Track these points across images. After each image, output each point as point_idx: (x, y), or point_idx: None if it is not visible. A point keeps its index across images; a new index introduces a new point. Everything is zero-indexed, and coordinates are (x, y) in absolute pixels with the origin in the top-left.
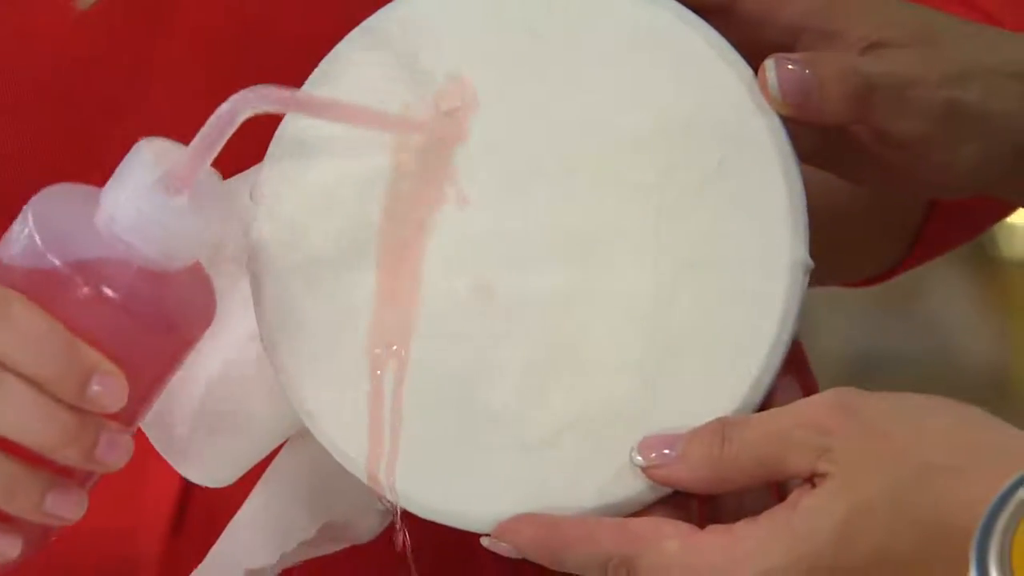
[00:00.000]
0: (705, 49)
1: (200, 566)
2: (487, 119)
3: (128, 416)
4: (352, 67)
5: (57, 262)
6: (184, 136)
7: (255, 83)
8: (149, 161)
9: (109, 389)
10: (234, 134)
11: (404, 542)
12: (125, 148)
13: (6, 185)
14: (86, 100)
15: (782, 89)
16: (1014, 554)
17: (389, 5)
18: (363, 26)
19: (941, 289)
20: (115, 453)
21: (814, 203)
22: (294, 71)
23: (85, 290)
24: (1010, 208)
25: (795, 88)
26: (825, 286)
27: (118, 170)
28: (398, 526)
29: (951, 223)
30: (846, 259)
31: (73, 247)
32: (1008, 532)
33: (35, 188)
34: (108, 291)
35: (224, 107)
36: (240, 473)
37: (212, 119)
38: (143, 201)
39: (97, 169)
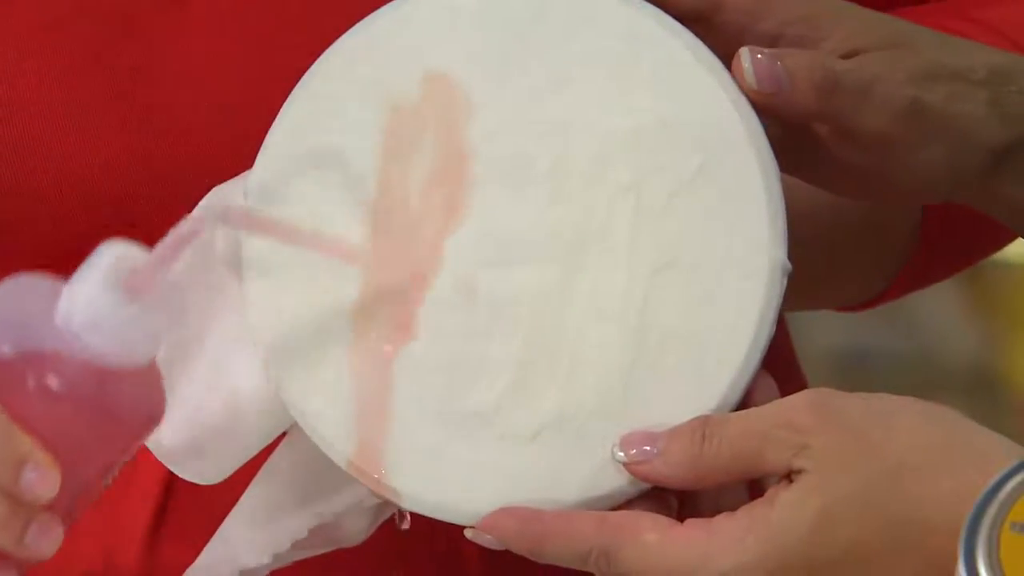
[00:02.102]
0: (686, 55)
1: (193, 565)
2: (475, 120)
3: (64, 505)
4: (342, 67)
5: (8, 350)
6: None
7: (287, 37)
8: (110, 263)
9: (41, 479)
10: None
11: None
12: (160, 107)
13: (43, 137)
14: (119, 64)
15: (756, 77)
16: (1001, 549)
17: (385, 6)
18: (357, 26)
19: (928, 290)
20: (44, 542)
21: (800, 231)
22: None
23: (32, 381)
24: (1001, 240)
25: (767, 75)
26: (812, 310)
27: (80, 268)
28: (394, 515)
29: (938, 255)
30: (833, 286)
31: (28, 337)
32: (995, 527)
33: (64, 140)
34: (55, 384)
35: (185, 225)
36: (231, 471)
37: (173, 233)
38: (100, 302)
39: (133, 127)
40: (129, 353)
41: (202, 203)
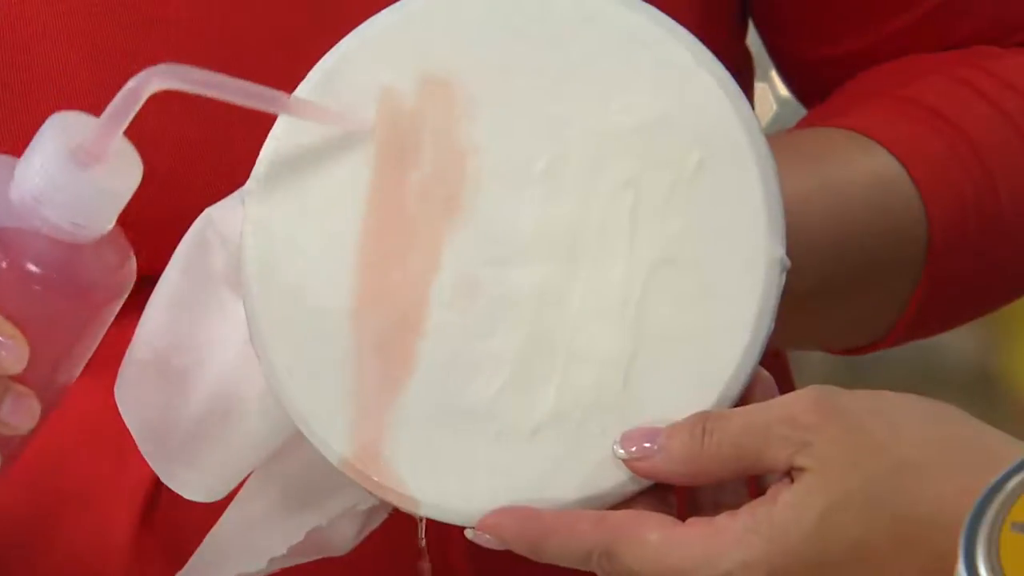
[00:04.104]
0: (685, 55)
1: (183, 570)
2: (474, 120)
3: (39, 380)
4: (342, 68)
5: None
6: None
7: (287, 41)
8: (60, 133)
9: (7, 351)
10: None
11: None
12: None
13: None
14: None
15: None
16: (1002, 549)
17: (386, 8)
18: (357, 29)
19: None
20: (20, 414)
21: (801, 271)
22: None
23: None
24: (1007, 295)
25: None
26: (807, 350)
27: (32, 142)
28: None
29: (937, 309)
30: (831, 328)
31: None
32: (995, 527)
33: None
34: (17, 258)
35: (132, 82)
36: (231, 486)
37: (121, 93)
38: (53, 173)
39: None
40: (87, 222)
41: (194, 225)
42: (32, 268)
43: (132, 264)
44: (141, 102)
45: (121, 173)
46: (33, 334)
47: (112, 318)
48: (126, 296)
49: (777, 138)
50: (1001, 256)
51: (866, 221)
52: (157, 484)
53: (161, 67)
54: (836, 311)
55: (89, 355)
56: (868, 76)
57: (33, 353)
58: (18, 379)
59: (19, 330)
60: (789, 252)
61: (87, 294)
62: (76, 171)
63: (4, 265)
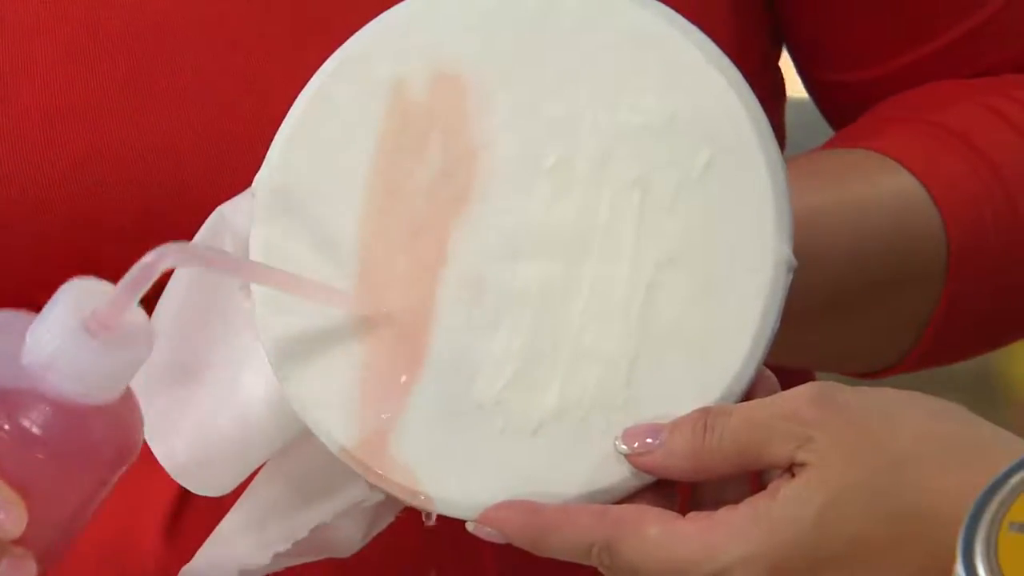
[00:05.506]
0: (695, 53)
1: (190, 564)
2: (483, 116)
3: (39, 543)
4: (352, 65)
5: None
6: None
7: (298, 36)
8: (73, 301)
9: (6, 515)
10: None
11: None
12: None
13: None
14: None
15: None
16: (1000, 548)
17: (396, 6)
18: (368, 25)
19: None
20: None
21: (811, 288)
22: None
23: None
24: (1018, 331)
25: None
26: (819, 371)
27: (44, 308)
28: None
29: (951, 336)
30: (844, 348)
31: None
32: (994, 527)
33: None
34: (21, 422)
35: (147, 258)
36: (239, 482)
37: (135, 267)
38: (62, 341)
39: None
40: (95, 391)
41: (207, 222)
42: (36, 432)
43: (140, 427)
44: (155, 277)
45: (132, 344)
46: (35, 498)
47: (117, 479)
48: (134, 459)
49: (798, 158)
50: (1021, 280)
51: (884, 238)
52: (184, 491)
53: (174, 245)
54: (853, 329)
55: (92, 511)
56: (894, 101)
57: (34, 516)
58: (17, 542)
59: (20, 493)
60: (797, 254)
61: (91, 461)
62: (86, 341)
63: (7, 427)
